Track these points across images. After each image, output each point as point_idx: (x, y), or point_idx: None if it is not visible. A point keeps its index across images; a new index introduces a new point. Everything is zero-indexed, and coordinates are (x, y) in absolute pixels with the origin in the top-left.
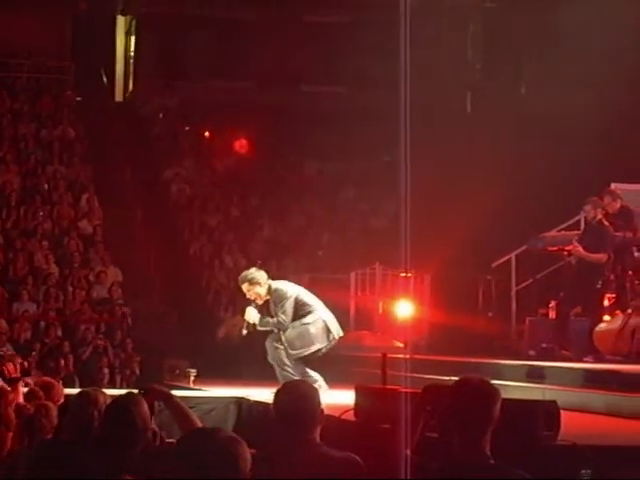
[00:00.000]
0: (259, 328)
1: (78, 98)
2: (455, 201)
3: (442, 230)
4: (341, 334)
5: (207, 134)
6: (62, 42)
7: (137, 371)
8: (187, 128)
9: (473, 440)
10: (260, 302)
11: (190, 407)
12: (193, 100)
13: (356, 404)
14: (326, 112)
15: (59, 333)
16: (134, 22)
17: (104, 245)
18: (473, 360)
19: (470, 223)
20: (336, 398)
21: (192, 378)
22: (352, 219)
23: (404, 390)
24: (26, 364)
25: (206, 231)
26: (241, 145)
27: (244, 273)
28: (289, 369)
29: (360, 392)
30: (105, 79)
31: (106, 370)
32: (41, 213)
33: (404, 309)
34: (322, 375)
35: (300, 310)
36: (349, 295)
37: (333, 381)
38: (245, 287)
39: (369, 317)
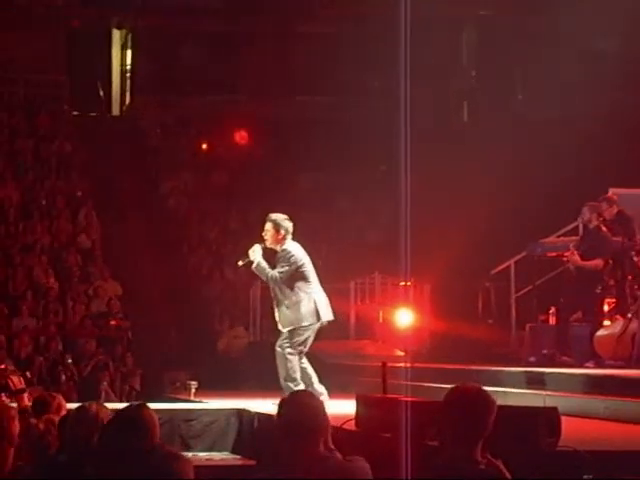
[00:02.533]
0: (253, 268)
1: (75, 112)
2: (453, 209)
3: (441, 238)
4: (330, 319)
5: (204, 147)
6: (57, 57)
7: (137, 387)
8: (184, 141)
9: (466, 449)
10: (267, 244)
11: (191, 419)
12: (189, 114)
13: (357, 413)
14: (321, 123)
15: (60, 348)
16: (130, 36)
17: (103, 259)
18: (474, 368)
19: (468, 231)
20: (337, 408)
21: (193, 390)
22: (349, 230)
23: (405, 399)
24: (29, 374)
25: (205, 243)
26: (237, 157)
27: (277, 214)
28: (296, 383)
29: (361, 401)
30: (102, 93)
31: (105, 383)
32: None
33: (404, 318)
34: (323, 384)
35: (298, 279)
36: (349, 304)
37: (334, 390)
38: (268, 225)
39: (369, 326)
